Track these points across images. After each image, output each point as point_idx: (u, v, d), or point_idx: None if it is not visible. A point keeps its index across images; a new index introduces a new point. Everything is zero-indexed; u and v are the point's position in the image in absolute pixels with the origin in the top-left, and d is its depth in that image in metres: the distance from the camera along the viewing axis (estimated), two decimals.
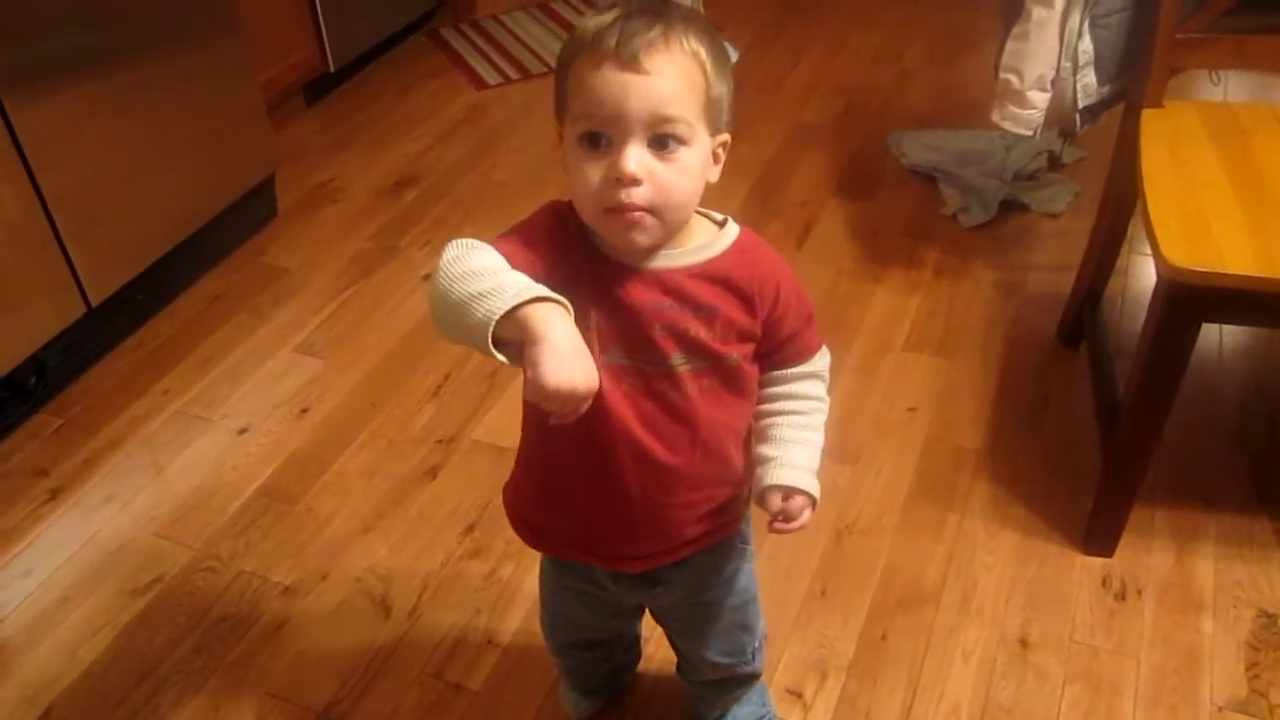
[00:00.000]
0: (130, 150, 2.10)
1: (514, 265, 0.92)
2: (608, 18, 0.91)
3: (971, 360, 2.10)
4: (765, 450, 1.10)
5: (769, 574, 1.69)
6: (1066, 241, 2.37)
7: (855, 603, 1.66)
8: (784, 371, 1.10)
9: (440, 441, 1.96)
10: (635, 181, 0.91)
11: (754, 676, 1.41)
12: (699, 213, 1.03)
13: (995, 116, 1.90)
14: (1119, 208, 1.91)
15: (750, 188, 2.64)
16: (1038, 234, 2.45)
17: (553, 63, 1.00)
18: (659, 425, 1.04)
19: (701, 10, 3.45)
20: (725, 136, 0.99)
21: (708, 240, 1.02)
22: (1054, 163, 2.64)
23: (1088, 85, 1.83)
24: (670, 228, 0.97)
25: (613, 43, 0.89)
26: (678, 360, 1.01)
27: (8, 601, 1.71)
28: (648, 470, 1.05)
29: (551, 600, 1.35)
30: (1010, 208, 2.51)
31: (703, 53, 0.92)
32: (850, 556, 1.73)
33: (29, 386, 2.00)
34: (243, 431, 2.01)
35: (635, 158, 0.90)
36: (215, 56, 2.27)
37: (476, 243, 0.94)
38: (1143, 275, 2.27)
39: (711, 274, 1.01)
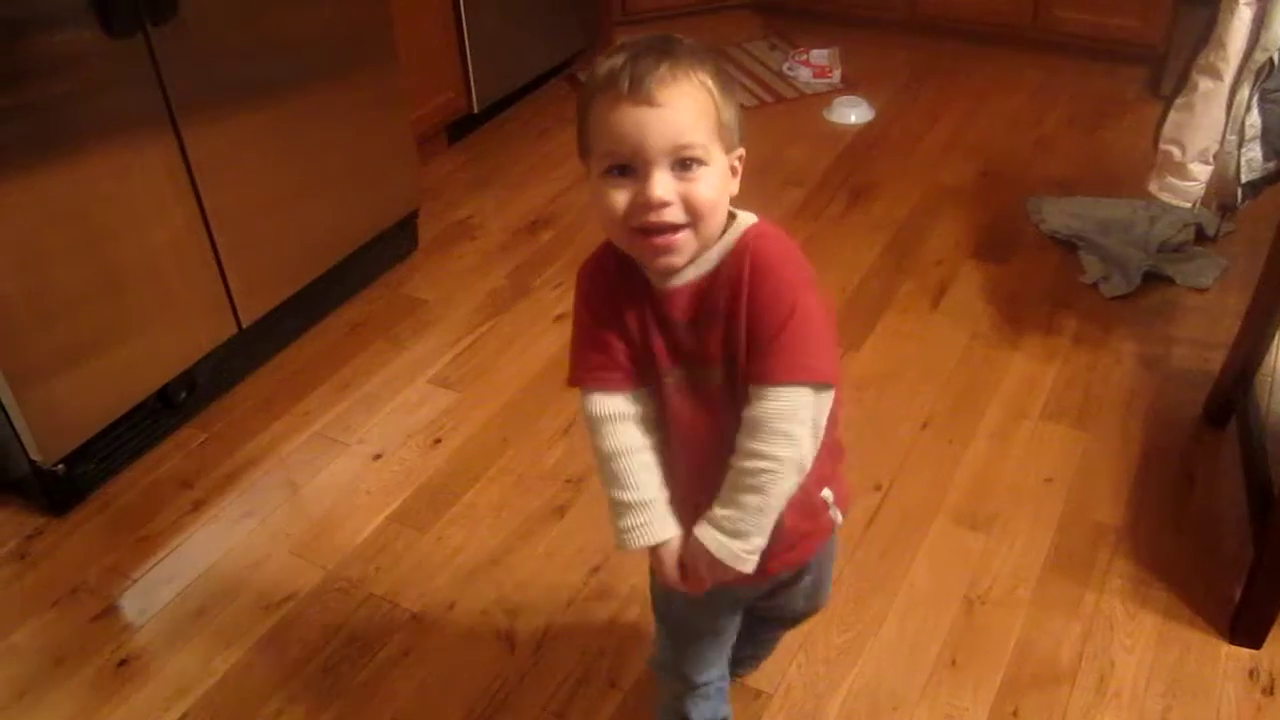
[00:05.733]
0: (288, 178, 2.19)
1: (595, 371, 1.08)
2: (619, 59, 0.96)
3: (1111, 434, 2.04)
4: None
5: (898, 638, 1.67)
6: (1213, 318, 2.31)
7: (986, 675, 1.61)
8: (747, 409, 1.01)
9: (569, 481, 1.97)
10: (664, 204, 0.97)
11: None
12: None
13: (1153, 187, 1.86)
14: (1279, 285, 1.84)
15: (884, 246, 2.62)
16: (1182, 308, 2.38)
17: None
18: (715, 437, 1.06)
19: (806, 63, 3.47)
20: (740, 151, 1.04)
21: (718, 245, 1.04)
22: (1200, 235, 2.57)
23: (1253, 160, 1.78)
24: (704, 240, 1.01)
25: (626, 83, 0.95)
26: (715, 374, 1.05)
27: (149, 607, 1.77)
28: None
29: (672, 613, 1.33)
30: (1153, 279, 2.45)
31: (709, 82, 0.98)
32: (982, 627, 1.69)
33: (178, 401, 2.08)
34: (377, 457, 2.05)
35: (662, 184, 0.96)
36: (373, 93, 2.35)
37: (594, 409, 1.09)
38: None
39: (722, 276, 1.02)
